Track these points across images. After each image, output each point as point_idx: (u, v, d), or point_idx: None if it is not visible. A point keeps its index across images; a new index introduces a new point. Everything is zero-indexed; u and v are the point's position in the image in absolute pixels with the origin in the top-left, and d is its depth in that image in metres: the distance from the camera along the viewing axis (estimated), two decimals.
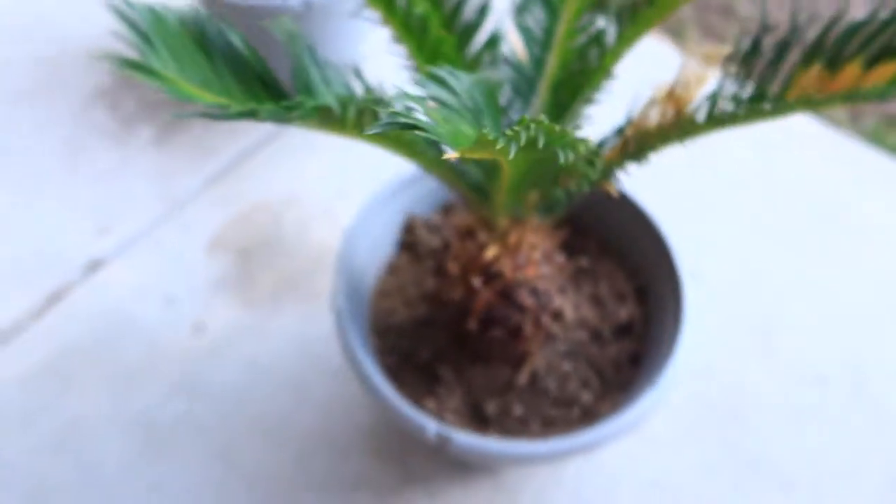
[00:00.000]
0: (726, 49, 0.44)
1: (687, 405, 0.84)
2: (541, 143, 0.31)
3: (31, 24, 1.19)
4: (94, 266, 0.93)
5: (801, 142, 1.09)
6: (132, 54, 0.44)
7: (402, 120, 0.29)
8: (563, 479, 0.79)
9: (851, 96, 0.40)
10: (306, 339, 0.87)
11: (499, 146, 0.29)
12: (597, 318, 0.71)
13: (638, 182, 1.02)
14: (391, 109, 0.30)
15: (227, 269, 0.94)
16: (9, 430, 0.81)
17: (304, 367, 0.86)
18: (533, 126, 0.30)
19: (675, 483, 0.79)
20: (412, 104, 0.31)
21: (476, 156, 0.31)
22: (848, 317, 0.92)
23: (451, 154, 0.30)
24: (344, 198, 1.00)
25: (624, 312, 0.71)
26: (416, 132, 0.30)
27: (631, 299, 0.72)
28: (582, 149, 0.34)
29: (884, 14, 0.40)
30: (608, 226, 0.76)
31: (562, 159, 0.32)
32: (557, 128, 0.31)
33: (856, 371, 0.88)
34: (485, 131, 0.29)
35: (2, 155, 1.03)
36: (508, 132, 0.30)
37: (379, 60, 1.13)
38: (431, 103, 0.33)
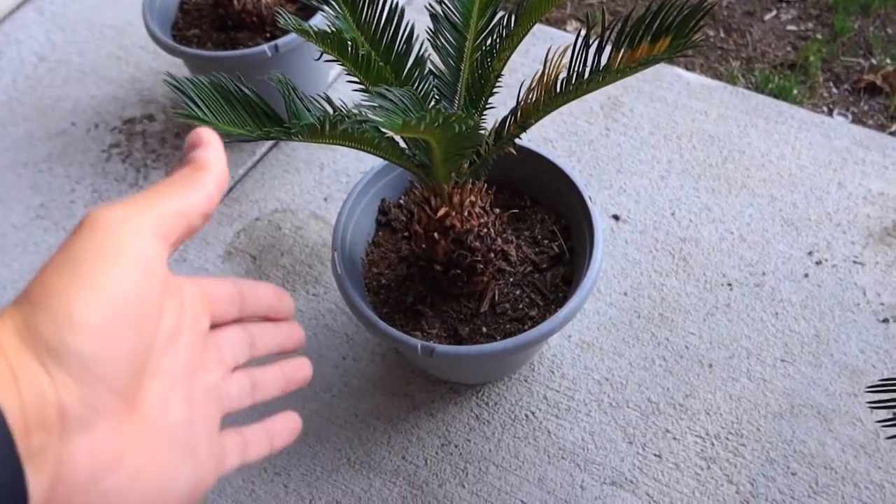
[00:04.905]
0: (567, 47, 0.66)
1: (622, 318, 1.06)
2: (440, 121, 0.53)
3: (45, 105, 1.40)
4: None
5: (700, 98, 1.32)
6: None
7: (360, 119, 0.51)
8: (533, 389, 1.01)
9: (644, 63, 0.62)
10: (316, 313, 1.09)
11: (415, 125, 0.51)
12: (535, 254, 0.93)
13: (564, 150, 1.25)
14: (353, 115, 0.52)
15: (243, 270, 1.15)
16: None
17: (319, 335, 1.07)
18: (434, 112, 0.52)
19: (620, 377, 1.01)
20: (364, 111, 0.53)
21: (406, 134, 0.53)
22: (745, 232, 1.15)
23: (392, 134, 0.52)
24: (327, 203, 1.22)
25: (555, 247, 0.93)
26: (369, 125, 0.51)
27: (559, 236, 0.94)
28: (471, 122, 0.56)
29: (654, 6, 0.62)
30: (536, 184, 0.97)
31: (457, 129, 0.54)
32: (450, 111, 0.53)
33: (754, 274, 1.11)
34: (408, 118, 0.51)
35: (45, 209, 1.24)
36: (420, 115, 0.52)
37: (343, 79, 1.37)
38: (376, 107, 0.55)
